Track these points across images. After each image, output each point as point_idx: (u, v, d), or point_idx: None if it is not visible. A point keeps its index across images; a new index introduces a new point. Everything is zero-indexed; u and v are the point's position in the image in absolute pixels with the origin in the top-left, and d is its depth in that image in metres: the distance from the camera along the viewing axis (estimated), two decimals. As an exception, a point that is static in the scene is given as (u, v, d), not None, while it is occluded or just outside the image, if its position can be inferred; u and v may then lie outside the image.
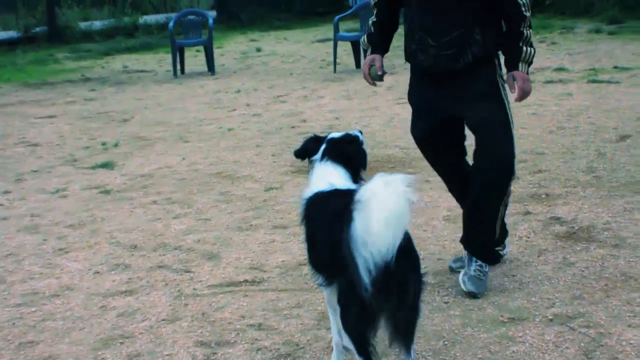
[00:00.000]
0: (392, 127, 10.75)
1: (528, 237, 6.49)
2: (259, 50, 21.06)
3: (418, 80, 5.57)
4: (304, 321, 5.26)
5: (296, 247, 6.60)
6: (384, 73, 5.46)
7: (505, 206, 5.59)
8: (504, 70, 5.32)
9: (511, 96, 5.32)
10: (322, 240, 4.36)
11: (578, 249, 6.18)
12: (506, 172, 5.34)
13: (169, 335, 5.20)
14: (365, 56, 5.67)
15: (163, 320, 5.43)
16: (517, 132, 9.49)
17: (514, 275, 5.78)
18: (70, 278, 6.26)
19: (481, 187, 5.38)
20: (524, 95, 5.24)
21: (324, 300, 5.50)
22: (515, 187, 7.45)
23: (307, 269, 6.06)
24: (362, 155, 4.81)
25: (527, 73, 5.24)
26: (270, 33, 25.38)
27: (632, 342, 4.72)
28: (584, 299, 5.31)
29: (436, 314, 5.24)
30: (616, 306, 5.19)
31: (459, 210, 6.95)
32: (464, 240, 5.77)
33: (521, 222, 6.81)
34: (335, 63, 16.52)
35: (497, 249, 5.77)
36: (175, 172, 9.25)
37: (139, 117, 12.94)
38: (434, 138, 5.61)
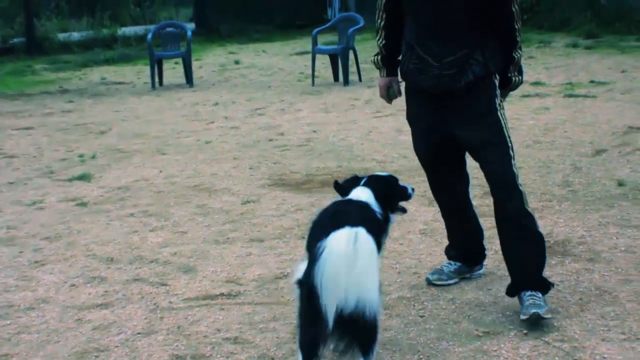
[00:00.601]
0: (370, 141, 10.78)
1: (504, 251, 6.51)
2: (237, 62, 21.07)
3: (414, 99, 5.52)
4: (279, 335, 5.26)
5: (273, 260, 6.61)
6: (400, 94, 5.70)
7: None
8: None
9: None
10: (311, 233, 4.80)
11: (553, 263, 6.21)
12: (512, 190, 5.24)
13: (145, 348, 5.19)
14: (381, 74, 5.69)
15: (139, 333, 5.42)
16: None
17: (489, 289, 5.81)
18: (46, 291, 6.24)
19: (500, 219, 5.39)
20: None
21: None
22: (491, 201, 7.49)
23: (283, 283, 6.09)
24: (395, 191, 5.20)
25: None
26: (249, 46, 25.39)
27: (606, 356, 4.75)
28: (558, 313, 5.34)
29: (411, 328, 5.25)
30: (590, 320, 5.22)
31: (435, 224, 7.01)
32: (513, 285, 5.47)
33: (496, 236, 6.78)
34: (313, 76, 16.54)
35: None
36: (153, 184, 9.24)
37: (117, 129, 12.91)
38: (436, 156, 5.59)
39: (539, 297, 5.27)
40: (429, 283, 5.92)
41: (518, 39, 5.25)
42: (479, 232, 5.97)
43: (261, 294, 5.96)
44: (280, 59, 21.58)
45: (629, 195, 7.74)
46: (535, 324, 5.13)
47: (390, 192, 5.12)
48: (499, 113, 5.27)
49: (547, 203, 7.61)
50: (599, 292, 5.65)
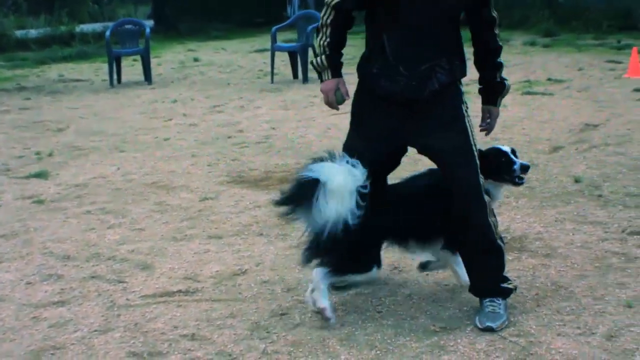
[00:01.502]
0: (329, 137, 10.78)
1: (461, 247, 6.54)
2: (196, 60, 21.00)
3: (370, 103, 5.30)
4: (237, 331, 5.25)
5: (231, 257, 6.60)
6: (348, 95, 5.33)
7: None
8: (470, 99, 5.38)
9: (475, 123, 5.35)
10: None
11: (510, 258, 6.24)
12: (475, 201, 5.17)
13: (101, 346, 5.16)
14: (321, 78, 5.28)
15: (95, 331, 5.38)
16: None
17: (446, 285, 5.83)
18: (2, 289, 6.18)
19: (461, 222, 5.26)
20: (490, 131, 5.57)
21: (257, 310, 5.54)
22: (449, 198, 7.53)
23: (241, 279, 6.08)
24: None
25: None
26: (208, 43, 25.33)
27: (561, 350, 4.78)
28: (515, 308, 5.37)
29: (369, 324, 5.26)
30: (546, 315, 5.26)
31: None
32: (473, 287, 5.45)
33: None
34: (272, 73, 16.52)
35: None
36: (110, 182, 9.19)
37: (74, 126, 12.82)
38: (381, 163, 5.37)
39: (499, 304, 5.27)
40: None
41: (500, 44, 5.29)
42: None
43: (219, 290, 5.95)
44: (240, 57, 21.56)
45: (585, 192, 7.81)
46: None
47: None
48: (465, 120, 5.18)
49: (505, 199, 7.64)
50: (555, 287, 5.69)
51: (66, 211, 8.10)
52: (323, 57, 5.23)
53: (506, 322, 5.17)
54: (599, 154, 9.24)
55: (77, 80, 18.53)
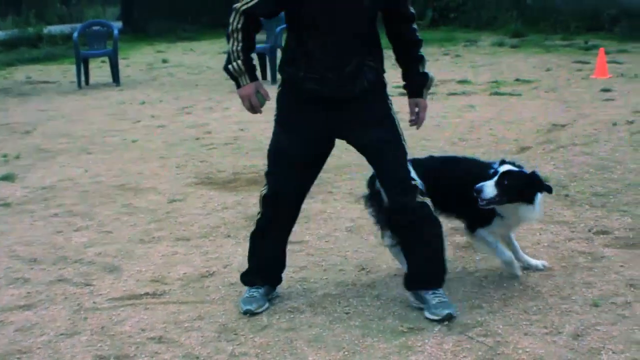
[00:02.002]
0: (297, 139, 10.75)
1: (429, 248, 6.56)
2: (165, 61, 20.95)
3: (300, 102, 5.31)
4: (204, 333, 5.24)
5: (198, 259, 6.58)
6: (267, 96, 5.31)
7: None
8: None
9: (402, 118, 5.43)
10: None
11: (478, 258, 6.27)
12: (409, 192, 5.26)
13: (68, 349, 5.13)
14: (238, 84, 5.25)
15: (62, 334, 5.35)
16: (419, 144, 9.68)
17: (414, 286, 5.83)
18: (-33, 292, 6.15)
19: (396, 216, 5.38)
20: (420, 124, 5.58)
21: (225, 312, 5.53)
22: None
23: (209, 281, 6.07)
24: None
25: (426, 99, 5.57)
26: (177, 44, 25.28)
27: (528, 350, 4.80)
28: (482, 308, 5.39)
29: (337, 325, 5.26)
30: (513, 315, 5.28)
31: (361, 222, 7.04)
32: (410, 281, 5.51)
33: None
34: (241, 74, 16.46)
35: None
36: (78, 184, 9.14)
37: (42, 128, 12.75)
38: (313, 161, 5.49)
39: (441, 293, 5.37)
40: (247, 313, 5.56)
41: (420, 38, 5.43)
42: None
43: (186, 292, 5.93)
44: (209, 58, 21.52)
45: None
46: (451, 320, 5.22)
47: None
48: (392, 112, 5.38)
49: (472, 200, 7.67)
50: (522, 287, 5.71)
51: (33, 214, 8.05)
52: (239, 62, 5.20)
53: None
54: (566, 154, 9.29)
55: (45, 82, 18.44)
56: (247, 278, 5.71)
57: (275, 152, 5.44)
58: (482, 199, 5.43)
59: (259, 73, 6.07)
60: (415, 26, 5.41)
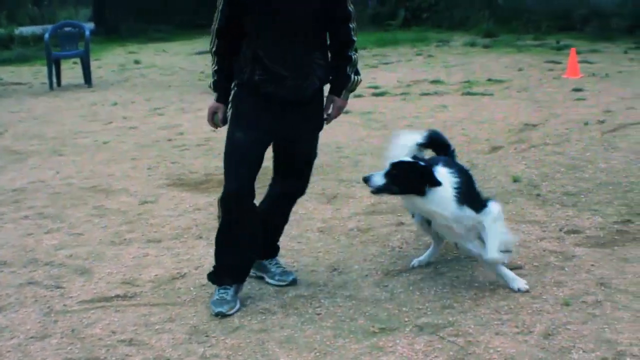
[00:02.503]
0: (270, 140, 10.75)
1: (401, 248, 6.57)
2: (137, 62, 20.88)
3: (257, 103, 5.37)
4: (175, 335, 5.22)
5: (170, 260, 6.56)
6: (225, 122, 5.54)
7: None
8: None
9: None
10: None
11: (449, 258, 6.28)
12: (306, 177, 5.84)
13: (38, 353, 5.10)
14: (214, 98, 5.58)
15: (32, 337, 5.32)
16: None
17: (385, 286, 5.83)
18: (-64, 296, 6.10)
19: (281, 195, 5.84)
20: (330, 121, 5.74)
21: (196, 314, 5.51)
22: (389, 198, 7.54)
23: (180, 283, 6.05)
24: None
25: (347, 100, 5.67)
26: (149, 45, 25.20)
27: (499, 349, 4.81)
28: (453, 308, 5.39)
29: (308, 326, 5.25)
30: (484, 314, 5.28)
31: (332, 222, 7.04)
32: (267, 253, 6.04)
33: (394, 233, 6.88)
34: (213, 76, 16.41)
35: None
36: (49, 186, 9.09)
37: (13, 130, 12.68)
38: (260, 160, 5.52)
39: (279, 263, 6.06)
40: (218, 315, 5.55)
41: (354, 38, 5.46)
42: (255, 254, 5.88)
43: (157, 294, 5.91)
44: (181, 59, 21.47)
45: (523, 191, 7.86)
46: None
47: None
48: (323, 121, 5.66)
49: (444, 200, 7.68)
50: (493, 286, 5.72)
51: (3, 216, 8.00)
52: (212, 81, 5.56)
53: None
54: (538, 153, 9.32)
55: (17, 84, 18.34)
56: (215, 277, 5.71)
57: (231, 152, 5.48)
58: (370, 186, 5.51)
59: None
60: (352, 25, 5.46)
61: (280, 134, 5.47)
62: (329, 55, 5.52)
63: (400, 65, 16.48)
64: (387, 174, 5.46)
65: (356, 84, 5.61)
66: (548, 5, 21.50)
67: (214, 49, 5.48)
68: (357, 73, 5.60)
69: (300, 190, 5.87)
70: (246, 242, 5.61)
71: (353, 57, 5.50)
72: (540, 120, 11.07)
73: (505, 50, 18.69)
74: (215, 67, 5.51)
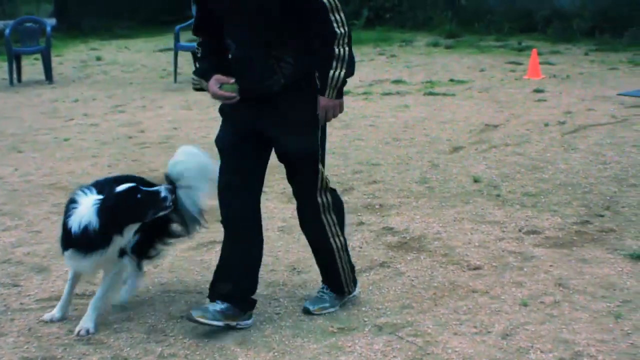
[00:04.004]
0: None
1: (360, 248, 6.58)
2: (99, 59, 20.72)
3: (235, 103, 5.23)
4: (133, 334, 5.20)
5: (129, 259, 6.51)
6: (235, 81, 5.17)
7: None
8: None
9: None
10: None
11: (409, 258, 6.30)
12: (312, 207, 5.36)
13: (-6, 351, 5.07)
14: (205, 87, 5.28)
15: (-12, 335, 5.28)
16: (353, 144, 9.70)
17: (345, 286, 5.83)
18: None
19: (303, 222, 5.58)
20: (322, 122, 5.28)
21: (154, 313, 5.48)
22: (350, 198, 7.56)
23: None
24: None
25: (336, 97, 5.16)
26: (112, 42, 25.02)
27: (457, 349, 4.83)
28: (412, 308, 5.41)
29: (267, 325, 5.25)
30: (443, 314, 5.31)
31: (293, 221, 7.00)
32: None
33: (354, 232, 6.88)
34: (175, 73, 16.35)
35: None
36: (7, 183, 9.01)
37: (-28, 126, 12.56)
38: (242, 153, 5.34)
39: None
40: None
41: (337, 30, 5.01)
42: (258, 264, 5.58)
43: (116, 293, 5.87)
44: (143, 56, 21.34)
45: (483, 192, 7.90)
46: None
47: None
48: (318, 123, 5.24)
49: (405, 199, 7.70)
50: (452, 287, 5.74)
51: (-40, 213, 7.93)
52: (195, 76, 5.39)
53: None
54: (499, 154, 9.36)
55: (-24, 79, 18.16)
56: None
57: (217, 143, 5.41)
58: None
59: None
60: (333, 17, 5.00)
61: (259, 129, 5.22)
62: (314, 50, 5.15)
63: (363, 65, 16.46)
64: None
65: (339, 80, 5.08)
66: (510, 7, 21.59)
67: (197, 42, 5.46)
68: (341, 67, 5.06)
69: (303, 191, 5.41)
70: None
71: (336, 51, 5.03)
72: (501, 121, 11.12)
73: (467, 50, 18.76)
74: (197, 64, 5.52)
